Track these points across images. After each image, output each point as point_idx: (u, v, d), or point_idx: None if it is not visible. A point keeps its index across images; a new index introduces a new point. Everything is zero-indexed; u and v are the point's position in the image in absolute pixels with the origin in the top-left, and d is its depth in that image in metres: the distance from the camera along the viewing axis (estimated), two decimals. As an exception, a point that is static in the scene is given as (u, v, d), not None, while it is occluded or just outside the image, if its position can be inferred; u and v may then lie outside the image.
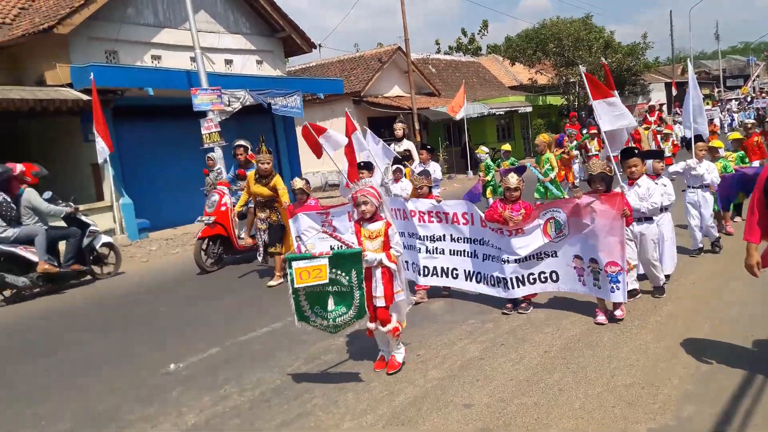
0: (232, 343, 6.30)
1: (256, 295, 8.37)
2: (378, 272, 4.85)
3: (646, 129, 18.93)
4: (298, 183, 8.26)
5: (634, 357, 4.98)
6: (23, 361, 6.37)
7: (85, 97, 13.20)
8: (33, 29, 13.73)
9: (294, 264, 4.65)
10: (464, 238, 6.77)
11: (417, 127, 24.38)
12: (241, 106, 15.66)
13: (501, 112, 29.81)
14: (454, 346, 5.60)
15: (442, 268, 6.99)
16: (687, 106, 8.01)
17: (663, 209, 6.64)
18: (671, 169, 8.09)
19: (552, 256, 6.22)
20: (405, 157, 10.25)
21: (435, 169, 10.60)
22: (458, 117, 22.46)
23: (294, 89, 17.78)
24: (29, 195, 9.19)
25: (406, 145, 10.99)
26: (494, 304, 6.64)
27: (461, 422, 4.15)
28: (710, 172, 8.02)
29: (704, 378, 4.48)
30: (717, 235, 8.28)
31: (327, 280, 4.58)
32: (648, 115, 22.51)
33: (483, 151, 13.11)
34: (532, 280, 6.33)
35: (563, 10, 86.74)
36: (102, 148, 13.17)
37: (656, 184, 6.61)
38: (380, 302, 4.84)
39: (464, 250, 6.78)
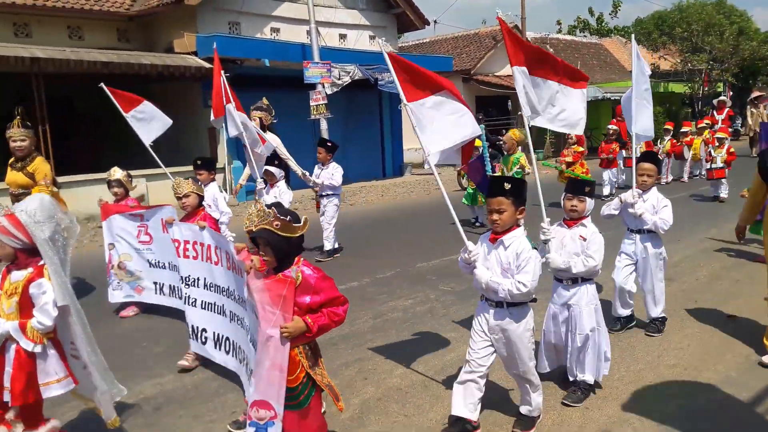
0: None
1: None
2: (12, 349, 3.23)
3: (706, 128, 15.07)
4: (116, 173, 6.48)
5: (686, 342, 5.08)
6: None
7: (207, 65, 14.27)
8: (167, 0, 14.96)
9: None
10: (214, 285, 4.47)
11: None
12: (350, 81, 16.29)
13: (616, 97, 28.81)
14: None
15: (193, 327, 4.71)
16: (626, 101, 5.45)
17: (575, 280, 4.17)
18: (603, 210, 5.21)
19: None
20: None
21: (333, 173, 8.48)
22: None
23: (403, 65, 18.18)
24: None
25: (270, 138, 8.21)
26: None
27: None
28: (659, 210, 5.09)
29: (751, 368, 4.55)
30: (659, 313, 5.31)
31: None
32: (715, 113, 18.46)
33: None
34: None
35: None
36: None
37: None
38: (9, 397, 3.18)
39: (214, 303, 4.50)
